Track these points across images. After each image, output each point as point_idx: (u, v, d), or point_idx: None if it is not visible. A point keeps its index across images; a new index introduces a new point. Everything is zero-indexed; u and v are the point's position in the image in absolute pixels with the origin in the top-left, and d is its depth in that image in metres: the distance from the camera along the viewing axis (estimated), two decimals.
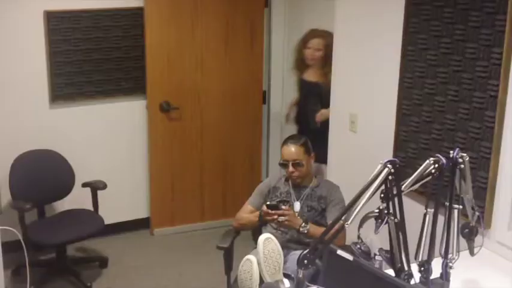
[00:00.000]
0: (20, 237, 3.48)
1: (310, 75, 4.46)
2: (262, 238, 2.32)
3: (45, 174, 4.29)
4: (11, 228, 3.32)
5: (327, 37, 4.22)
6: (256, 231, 3.52)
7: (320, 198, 3.44)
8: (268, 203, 3.32)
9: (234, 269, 3.24)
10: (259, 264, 2.27)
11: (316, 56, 4.36)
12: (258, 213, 3.40)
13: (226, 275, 3.41)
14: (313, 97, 4.40)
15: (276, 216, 3.25)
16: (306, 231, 3.25)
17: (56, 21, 4.31)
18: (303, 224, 3.26)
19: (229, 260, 3.40)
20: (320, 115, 4.34)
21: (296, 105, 4.68)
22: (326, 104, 4.15)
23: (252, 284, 2.22)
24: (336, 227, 2.10)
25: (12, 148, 4.24)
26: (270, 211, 3.26)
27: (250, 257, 2.30)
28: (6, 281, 3.47)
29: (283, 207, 3.28)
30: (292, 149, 3.42)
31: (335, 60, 4.01)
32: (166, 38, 4.64)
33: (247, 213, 3.51)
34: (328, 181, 3.60)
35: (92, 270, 4.38)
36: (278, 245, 2.34)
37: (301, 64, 4.50)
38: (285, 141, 3.50)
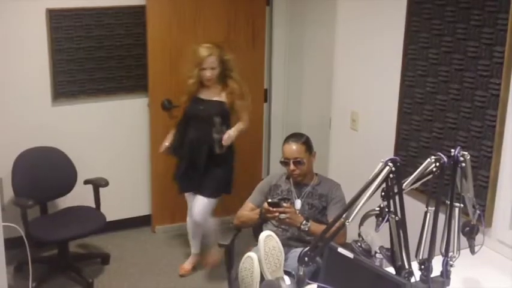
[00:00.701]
0: (23, 233, 3.48)
1: (211, 94, 4.12)
2: (263, 236, 2.33)
3: (47, 172, 4.30)
4: (13, 225, 3.32)
5: (218, 50, 4.09)
6: (257, 229, 3.52)
7: (321, 196, 3.44)
8: (269, 200, 3.33)
9: (235, 267, 3.24)
10: (260, 261, 2.28)
11: (214, 74, 4.06)
12: (258, 210, 3.41)
13: (227, 272, 3.42)
14: (217, 118, 3.99)
15: (277, 214, 3.26)
16: (306, 229, 3.25)
17: (58, 19, 4.31)
18: (304, 221, 3.26)
19: (230, 258, 3.41)
20: (228, 138, 4.01)
21: (178, 132, 4.22)
22: (230, 126, 4.10)
23: (252, 281, 2.23)
24: (337, 224, 2.10)
25: (14, 145, 4.25)
26: (271, 208, 3.26)
27: (251, 254, 2.31)
28: (8, 277, 3.46)
29: (285, 204, 3.28)
30: (294, 147, 3.42)
31: (336, 58, 4.01)
32: (168, 36, 4.63)
33: (248, 210, 3.52)
34: (329, 179, 3.60)
35: (94, 267, 4.39)
36: (279, 242, 2.34)
37: (196, 87, 4.12)
38: (287, 139, 3.50)
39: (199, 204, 4.12)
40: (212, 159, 4.07)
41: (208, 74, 4.02)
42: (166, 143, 4.23)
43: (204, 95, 4.12)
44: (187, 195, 4.30)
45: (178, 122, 4.22)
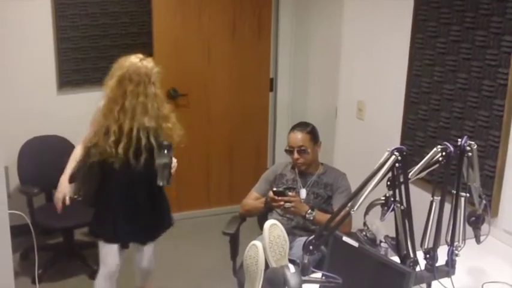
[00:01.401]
0: (28, 221, 3.51)
1: None
2: (268, 224, 2.33)
3: (52, 160, 4.25)
4: (19, 212, 3.34)
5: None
6: (262, 218, 3.53)
7: (326, 185, 3.44)
8: (274, 189, 3.33)
9: (240, 255, 3.25)
10: (264, 250, 2.28)
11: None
12: (263, 199, 3.41)
13: (232, 260, 3.43)
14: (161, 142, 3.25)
15: (282, 203, 3.26)
16: (311, 218, 3.25)
17: (63, 8, 4.32)
18: (309, 210, 3.27)
19: (235, 246, 3.42)
20: (175, 165, 3.36)
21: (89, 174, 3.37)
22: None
23: (257, 269, 2.23)
24: (342, 213, 2.10)
25: (20, 134, 4.26)
26: (276, 197, 3.27)
27: (256, 242, 2.30)
28: (14, 264, 3.48)
29: (290, 193, 3.28)
30: (298, 136, 3.42)
31: (343, 47, 4.00)
32: (173, 25, 4.63)
33: (253, 199, 3.52)
34: (334, 169, 3.60)
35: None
36: (284, 231, 2.34)
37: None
38: (292, 128, 3.50)
39: (150, 253, 3.55)
40: (152, 194, 3.36)
41: None
42: (67, 193, 3.36)
43: None
44: (112, 247, 3.40)
45: (83, 160, 3.32)
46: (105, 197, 3.34)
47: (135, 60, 3.19)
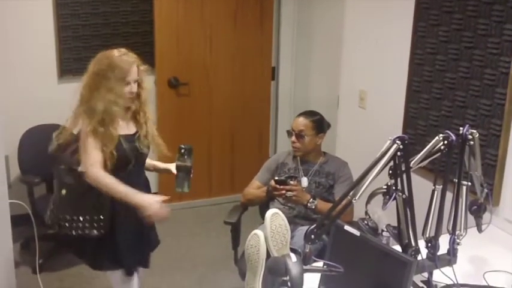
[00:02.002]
0: (29, 210, 3.52)
1: (129, 126, 2.90)
2: (269, 213, 2.33)
3: None
4: (20, 202, 3.35)
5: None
6: (264, 207, 3.53)
7: (328, 174, 3.44)
8: (276, 178, 3.34)
9: (241, 244, 3.25)
10: (266, 239, 2.28)
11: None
12: (265, 188, 3.42)
13: (234, 250, 3.44)
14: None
15: (283, 192, 3.26)
16: (313, 207, 3.26)
17: None
18: (311, 199, 3.27)
19: (236, 235, 3.42)
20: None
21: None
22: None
23: (258, 259, 2.23)
24: (344, 202, 2.10)
25: (21, 123, 4.25)
26: (278, 186, 3.27)
27: (258, 231, 2.30)
28: (15, 254, 3.50)
29: (291, 182, 3.29)
30: (302, 121, 3.43)
31: (345, 36, 3.99)
32: (175, 13, 4.62)
33: (254, 188, 3.53)
34: (336, 158, 3.60)
35: None
36: (285, 220, 2.34)
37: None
38: (301, 113, 3.52)
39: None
40: None
41: (134, 89, 2.83)
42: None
43: (124, 128, 2.87)
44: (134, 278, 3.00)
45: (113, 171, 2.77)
46: (123, 218, 2.86)
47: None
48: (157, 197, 2.75)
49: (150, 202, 2.71)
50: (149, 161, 3.09)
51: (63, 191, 2.86)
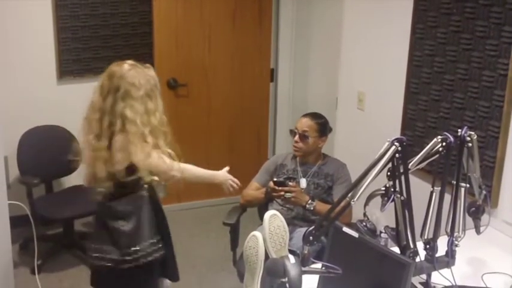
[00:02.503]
0: (28, 211, 3.52)
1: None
2: (268, 215, 2.33)
3: (52, 150, 4.29)
4: (19, 203, 3.36)
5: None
6: (262, 208, 3.53)
7: (327, 175, 3.44)
8: (275, 179, 3.34)
9: (240, 245, 3.25)
10: (264, 240, 2.28)
11: None
12: (264, 189, 3.42)
13: (232, 251, 3.43)
14: None
15: (282, 193, 3.27)
16: (312, 208, 3.26)
17: None
18: (310, 201, 3.27)
19: (235, 236, 3.41)
20: None
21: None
22: None
23: (257, 260, 2.23)
24: (342, 204, 2.10)
25: (20, 124, 4.25)
26: (276, 187, 3.27)
27: (256, 233, 2.31)
28: (14, 254, 3.50)
29: (290, 183, 3.29)
30: (307, 122, 3.43)
31: (344, 38, 3.99)
32: (174, 14, 4.62)
33: (253, 190, 3.53)
34: (335, 159, 3.60)
35: None
36: (284, 221, 2.34)
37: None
38: (306, 114, 3.52)
39: None
40: None
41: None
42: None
43: None
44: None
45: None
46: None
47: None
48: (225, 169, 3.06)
49: (223, 173, 3.02)
50: None
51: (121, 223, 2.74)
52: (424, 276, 2.34)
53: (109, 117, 2.64)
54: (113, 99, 2.64)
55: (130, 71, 2.67)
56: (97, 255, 2.74)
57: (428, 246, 2.31)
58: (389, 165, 2.12)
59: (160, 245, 2.82)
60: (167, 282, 3.05)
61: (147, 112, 2.66)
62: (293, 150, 3.49)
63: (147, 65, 2.79)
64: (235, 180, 3.05)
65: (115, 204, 2.73)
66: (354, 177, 3.03)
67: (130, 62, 2.74)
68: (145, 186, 2.77)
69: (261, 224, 3.22)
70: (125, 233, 2.70)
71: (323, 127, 3.47)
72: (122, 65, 2.71)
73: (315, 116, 3.50)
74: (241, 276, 3.11)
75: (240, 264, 3.25)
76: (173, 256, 2.99)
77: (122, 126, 2.61)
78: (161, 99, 2.76)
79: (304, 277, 2.04)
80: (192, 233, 4.58)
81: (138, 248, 2.72)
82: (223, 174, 3.02)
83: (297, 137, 3.42)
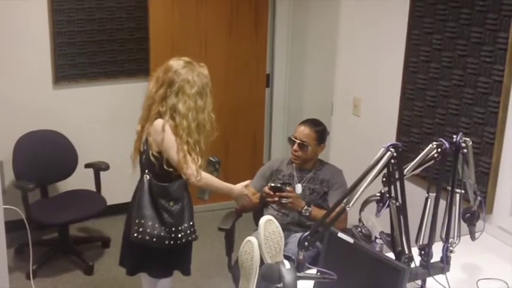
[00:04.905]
0: (23, 216, 3.50)
1: None
2: (263, 220, 2.33)
3: (48, 155, 4.31)
4: (14, 208, 3.34)
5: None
6: (258, 214, 3.52)
7: (323, 181, 3.44)
8: (272, 184, 3.33)
9: (235, 251, 3.26)
10: (260, 245, 2.28)
11: None
12: (259, 195, 3.42)
13: (227, 256, 3.43)
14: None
15: (276, 198, 3.27)
16: (307, 214, 3.26)
17: (59, 2, 4.30)
18: (306, 206, 3.27)
19: (230, 241, 3.42)
20: None
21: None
22: None
23: (252, 265, 2.23)
24: (338, 209, 2.10)
25: (15, 128, 4.26)
26: (271, 192, 3.27)
27: (251, 238, 2.30)
28: (9, 259, 3.49)
29: (287, 188, 3.29)
30: (306, 131, 3.42)
31: (339, 43, 4.00)
32: (170, 19, 4.63)
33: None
34: (331, 165, 3.60)
35: (94, 250, 4.41)
36: (279, 226, 2.34)
37: None
38: (305, 121, 3.50)
39: None
40: None
41: None
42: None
43: None
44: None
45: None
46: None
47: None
48: (243, 183, 3.21)
49: (239, 189, 3.18)
50: None
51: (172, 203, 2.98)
52: (419, 282, 2.34)
53: (158, 107, 2.91)
54: (164, 91, 2.90)
55: (185, 68, 2.92)
56: (139, 229, 2.93)
57: (423, 252, 2.31)
58: (385, 171, 2.12)
59: (195, 228, 3.07)
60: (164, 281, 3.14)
61: (196, 108, 2.91)
62: (292, 158, 3.48)
63: (202, 63, 3.02)
64: (251, 196, 3.26)
65: (169, 186, 2.94)
66: (349, 183, 3.04)
67: (186, 58, 2.98)
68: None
69: (257, 229, 3.22)
70: (173, 214, 2.94)
71: (322, 134, 3.47)
72: (178, 61, 2.96)
73: (313, 123, 3.48)
74: (236, 281, 3.11)
75: (235, 269, 3.25)
76: (191, 249, 3.21)
77: (171, 116, 2.89)
78: (211, 97, 3.00)
79: (300, 283, 2.04)
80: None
81: (180, 228, 2.97)
82: (239, 190, 3.17)
83: (296, 146, 3.41)
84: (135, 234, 2.93)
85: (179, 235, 2.97)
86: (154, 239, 2.93)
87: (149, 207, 2.95)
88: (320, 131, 3.46)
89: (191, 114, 2.89)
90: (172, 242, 2.96)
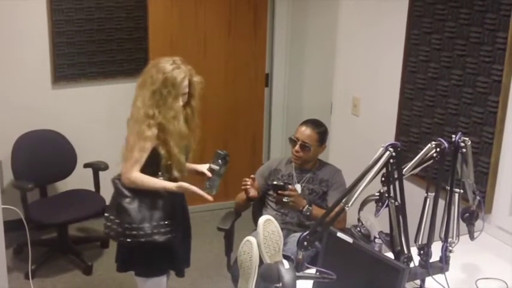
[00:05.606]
0: (22, 216, 3.52)
1: None
2: (262, 220, 2.34)
3: (47, 155, 4.31)
4: (13, 207, 3.35)
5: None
6: (256, 213, 3.54)
7: (322, 181, 3.45)
8: (274, 182, 3.31)
9: (234, 251, 3.26)
10: (259, 245, 2.29)
11: None
12: (244, 189, 3.41)
13: (227, 256, 3.44)
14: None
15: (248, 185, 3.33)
16: (308, 213, 3.25)
17: (58, 2, 4.31)
18: (307, 206, 3.27)
19: (229, 242, 3.42)
20: None
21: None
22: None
23: (251, 265, 2.24)
24: (337, 209, 2.11)
25: (14, 128, 4.26)
26: (276, 193, 3.27)
27: (251, 238, 2.31)
28: (8, 259, 3.50)
29: (289, 186, 3.29)
30: (307, 132, 3.41)
31: (338, 43, 4.01)
32: (169, 19, 4.64)
33: None
34: (330, 165, 3.61)
35: (93, 250, 4.41)
36: (278, 226, 2.35)
37: None
38: (306, 122, 3.48)
39: None
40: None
41: (182, 102, 3.01)
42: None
43: None
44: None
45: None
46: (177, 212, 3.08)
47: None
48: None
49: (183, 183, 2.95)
50: (188, 165, 3.18)
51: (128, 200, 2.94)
52: (418, 281, 2.35)
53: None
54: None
55: (157, 65, 2.90)
56: (106, 223, 3.00)
57: (422, 251, 2.32)
58: (384, 170, 2.12)
59: (167, 229, 2.94)
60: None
61: (156, 105, 2.85)
62: (292, 158, 3.48)
63: (188, 67, 2.95)
64: (196, 190, 2.97)
65: (119, 183, 2.96)
66: (348, 183, 3.04)
67: (174, 58, 2.94)
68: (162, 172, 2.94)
69: (255, 229, 3.22)
70: (127, 211, 2.89)
71: (323, 136, 3.47)
72: (165, 58, 2.95)
73: (315, 124, 3.47)
74: (235, 281, 3.11)
75: (234, 269, 3.25)
76: (187, 250, 3.20)
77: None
78: (184, 101, 2.95)
79: (299, 282, 2.04)
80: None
81: (140, 226, 2.89)
82: (177, 185, 2.94)
83: (297, 147, 3.40)
84: (104, 230, 3.02)
85: (134, 232, 2.89)
86: (112, 234, 2.97)
87: (112, 203, 3.01)
88: (322, 132, 3.45)
89: (145, 108, 2.86)
90: (129, 240, 2.91)
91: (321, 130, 3.46)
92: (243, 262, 2.29)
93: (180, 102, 2.91)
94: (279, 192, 3.26)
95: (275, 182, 3.32)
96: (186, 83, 2.90)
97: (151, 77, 2.87)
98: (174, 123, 2.88)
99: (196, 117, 3.14)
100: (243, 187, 3.38)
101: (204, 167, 3.13)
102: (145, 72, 2.94)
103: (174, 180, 2.95)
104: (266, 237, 2.31)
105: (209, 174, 3.06)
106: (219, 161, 3.08)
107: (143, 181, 2.89)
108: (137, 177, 2.89)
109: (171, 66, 2.87)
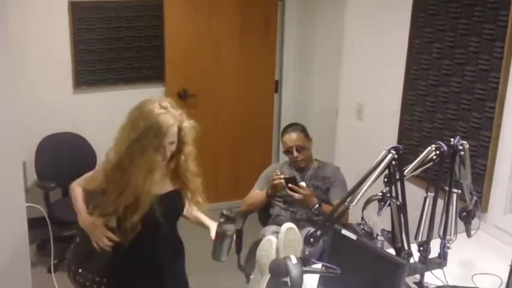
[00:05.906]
0: (45, 214, 3.56)
1: (166, 185, 2.65)
2: (285, 227, 2.36)
3: (68, 156, 4.36)
4: (36, 206, 3.40)
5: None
6: (263, 213, 3.58)
7: (324, 178, 3.52)
8: (286, 176, 3.38)
9: (244, 250, 3.31)
10: (278, 248, 2.31)
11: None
12: (265, 189, 3.49)
13: (237, 254, 3.46)
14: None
15: (282, 179, 3.34)
16: (317, 211, 3.31)
17: (80, 11, 4.37)
18: (317, 205, 3.33)
19: (240, 241, 3.41)
20: None
21: None
22: None
23: (267, 262, 2.27)
24: (341, 209, 2.15)
25: (38, 131, 4.31)
26: (289, 185, 3.32)
27: (272, 238, 2.33)
28: (31, 254, 3.53)
29: (302, 183, 3.34)
30: (294, 136, 3.50)
31: (344, 52, 4.02)
32: (184, 29, 4.68)
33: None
34: (328, 163, 3.67)
35: None
36: (299, 235, 2.36)
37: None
38: (285, 130, 3.57)
39: None
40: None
41: (170, 150, 2.47)
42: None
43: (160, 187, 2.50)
44: None
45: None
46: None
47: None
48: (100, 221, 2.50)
49: (94, 225, 2.49)
50: (194, 213, 2.80)
51: (77, 238, 2.64)
52: (417, 276, 2.39)
53: None
54: None
55: (139, 108, 2.46)
56: (81, 279, 2.66)
57: (422, 248, 2.36)
58: (386, 171, 2.16)
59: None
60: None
61: (128, 145, 2.42)
62: (296, 164, 3.54)
63: (169, 109, 2.42)
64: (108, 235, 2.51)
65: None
66: (352, 183, 3.13)
67: (164, 103, 2.44)
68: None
69: (263, 227, 3.32)
70: (70, 249, 2.58)
71: (305, 131, 3.56)
72: (149, 101, 2.47)
73: (294, 127, 3.56)
74: (247, 276, 3.18)
75: (246, 265, 3.32)
76: None
77: None
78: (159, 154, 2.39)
79: (306, 276, 2.08)
80: (196, 235, 4.63)
81: (78, 271, 2.58)
82: (91, 222, 2.53)
83: (295, 153, 3.48)
84: (78, 282, 2.67)
85: (76, 276, 2.56)
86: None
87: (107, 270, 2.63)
88: (303, 129, 3.55)
89: (119, 155, 2.45)
90: (77, 278, 2.58)
91: (301, 128, 3.55)
92: (260, 258, 2.34)
93: (160, 156, 2.40)
94: (289, 185, 3.32)
95: (287, 176, 3.38)
96: (174, 130, 2.39)
97: (133, 123, 2.41)
98: (146, 177, 2.36)
99: (192, 165, 2.58)
100: (276, 181, 3.37)
101: (212, 228, 2.66)
102: (129, 114, 2.48)
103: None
104: (286, 244, 2.34)
105: (213, 237, 2.60)
106: (224, 224, 2.56)
107: (75, 196, 2.57)
108: (74, 190, 2.58)
109: (158, 112, 2.37)
